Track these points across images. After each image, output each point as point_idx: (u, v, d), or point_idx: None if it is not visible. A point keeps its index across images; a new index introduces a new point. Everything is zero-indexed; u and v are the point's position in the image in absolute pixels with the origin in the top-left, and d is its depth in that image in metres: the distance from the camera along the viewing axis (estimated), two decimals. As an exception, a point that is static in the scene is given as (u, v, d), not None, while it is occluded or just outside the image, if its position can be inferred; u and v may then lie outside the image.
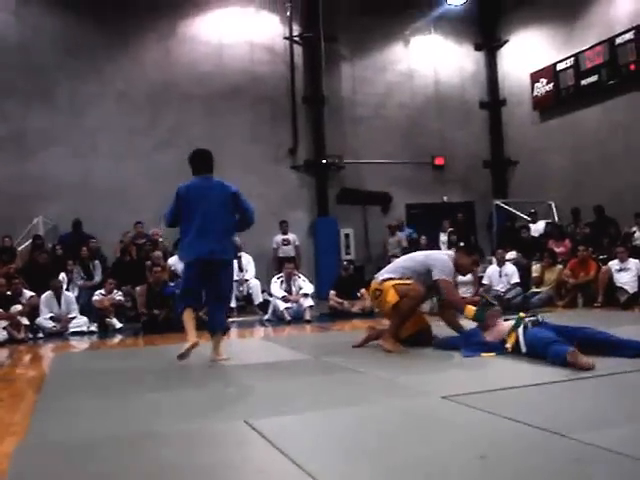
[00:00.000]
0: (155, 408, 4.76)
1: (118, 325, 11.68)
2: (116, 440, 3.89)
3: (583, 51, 17.12)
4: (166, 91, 17.11)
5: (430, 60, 19.79)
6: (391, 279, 7.02)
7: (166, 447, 3.72)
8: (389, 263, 8.48)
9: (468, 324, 6.96)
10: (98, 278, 13.57)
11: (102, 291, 12.14)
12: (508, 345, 6.00)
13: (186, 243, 6.95)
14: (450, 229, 16.39)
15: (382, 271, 7.46)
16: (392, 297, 6.82)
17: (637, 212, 14.03)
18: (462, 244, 8.21)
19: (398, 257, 11.59)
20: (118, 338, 10.86)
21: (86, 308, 12.17)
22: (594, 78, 16.81)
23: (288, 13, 18.42)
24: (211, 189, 7.15)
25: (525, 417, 3.84)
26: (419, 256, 7.41)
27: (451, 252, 7.53)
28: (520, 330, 5.95)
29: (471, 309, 6.63)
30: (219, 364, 6.74)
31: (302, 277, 12.43)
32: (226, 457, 3.51)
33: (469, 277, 11.98)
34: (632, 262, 11.70)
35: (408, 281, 6.89)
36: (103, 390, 5.60)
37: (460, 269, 7.31)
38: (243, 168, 17.22)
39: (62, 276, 12.59)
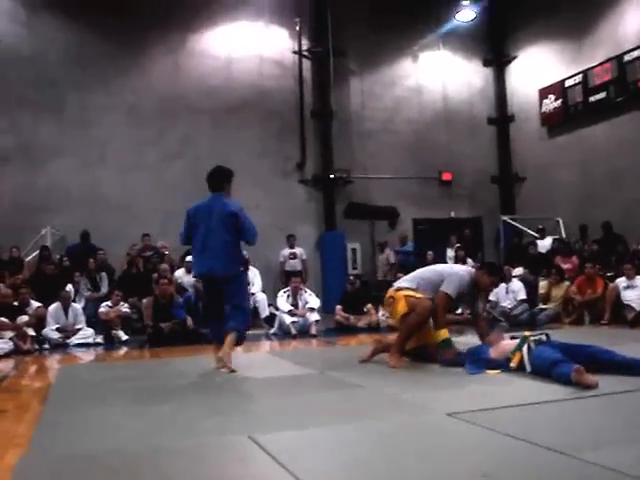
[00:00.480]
0: (159, 422, 4.74)
1: (124, 337, 11.66)
2: (120, 454, 3.89)
3: (591, 68, 17.16)
4: (175, 104, 17.18)
5: (438, 75, 19.85)
6: (407, 289, 7.05)
7: (169, 461, 3.71)
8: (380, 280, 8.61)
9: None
10: (105, 290, 13.58)
11: (109, 303, 12.14)
12: (513, 364, 5.99)
13: (193, 260, 7.59)
14: (457, 244, 16.36)
15: (401, 279, 7.55)
16: (402, 308, 6.87)
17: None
18: (486, 263, 8.18)
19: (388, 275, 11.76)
20: (124, 350, 10.87)
21: (92, 320, 12.18)
22: (602, 95, 16.84)
23: (297, 27, 18.51)
24: (213, 208, 7.50)
25: (530, 436, 3.82)
26: (440, 268, 7.54)
27: (472, 269, 7.51)
28: (525, 349, 5.95)
29: (445, 332, 6.81)
30: (225, 377, 6.73)
31: (308, 291, 12.43)
32: (229, 472, 3.50)
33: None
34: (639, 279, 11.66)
35: (419, 294, 6.89)
36: (108, 403, 5.61)
37: (478, 287, 7.30)
38: (251, 182, 17.26)
39: (69, 287, 12.62)
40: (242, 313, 7.30)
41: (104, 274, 13.93)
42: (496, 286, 8.41)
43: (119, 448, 4.01)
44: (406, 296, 6.91)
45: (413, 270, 7.64)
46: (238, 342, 7.24)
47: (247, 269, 7.96)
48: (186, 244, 7.92)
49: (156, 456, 3.83)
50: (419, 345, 7.07)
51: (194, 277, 7.66)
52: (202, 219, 7.45)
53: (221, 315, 7.26)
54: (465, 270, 7.37)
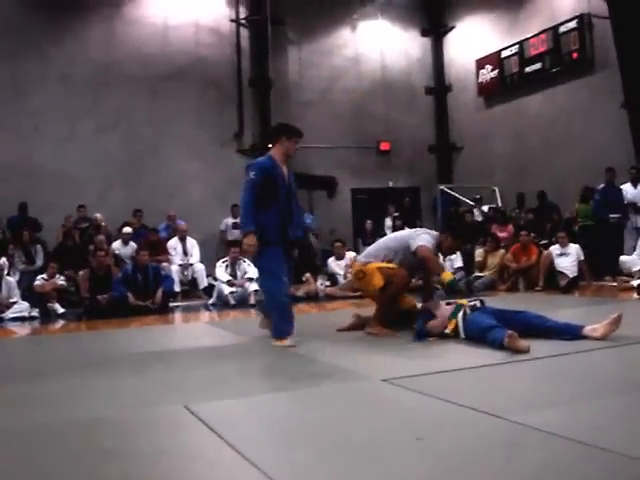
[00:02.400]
0: (93, 394, 4.69)
1: (60, 310, 11.46)
2: (53, 427, 3.85)
3: (527, 39, 17.35)
4: (110, 73, 16.85)
5: (377, 45, 19.84)
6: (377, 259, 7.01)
7: (102, 433, 3.68)
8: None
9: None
10: (40, 262, 13.32)
11: (44, 276, 11.92)
12: (448, 331, 6.09)
13: None
14: (395, 214, 16.48)
15: (364, 252, 7.49)
16: (378, 281, 6.74)
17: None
18: (451, 226, 8.14)
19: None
20: (60, 323, 10.70)
21: (27, 293, 11.95)
22: (538, 65, 17.06)
23: (235, -5, 18.27)
24: None
25: (462, 399, 3.89)
26: (401, 234, 7.50)
27: (435, 233, 7.47)
28: (460, 316, 6.05)
29: (448, 274, 6.92)
30: (161, 348, 6.70)
31: (247, 261, 12.37)
32: (164, 443, 3.48)
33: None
34: (572, 247, 11.89)
35: (392, 265, 6.88)
36: (42, 376, 5.53)
37: (443, 251, 7.32)
38: (189, 152, 17.19)
39: (2, 260, 12.34)
40: (266, 295, 6.87)
41: (39, 246, 13.66)
42: (459, 249, 8.39)
43: (52, 422, 3.96)
44: (379, 268, 6.83)
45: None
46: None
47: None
48: None
49: (90, 428, 3.78)
50: (401, 312, 7.01)
51: None
52: None
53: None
54: (427, 232, 7.28)
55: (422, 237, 6.98)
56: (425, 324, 6.27)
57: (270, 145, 6.91)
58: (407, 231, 7.69)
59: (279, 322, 6.43)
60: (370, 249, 7.40)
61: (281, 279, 6.39)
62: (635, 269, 10.66)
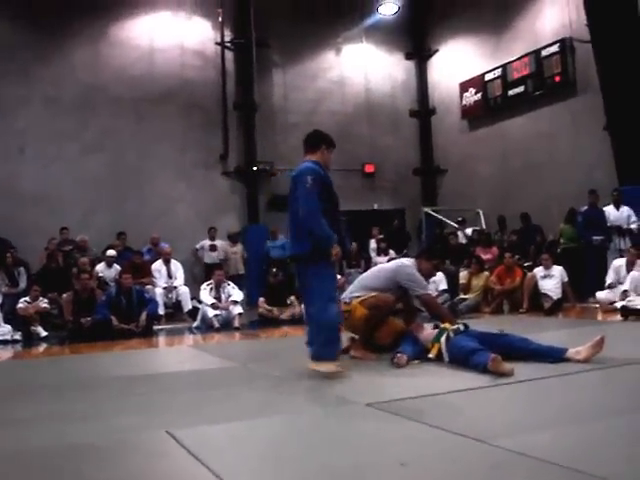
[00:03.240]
0: (76, 419, 4.65)
1: (43, 333, 11.36)
2: (35, 452, 3.81)
3: (510, 62, 17.50)
4: (95, 95, 16.86)
5: (361, 68, 19.97)
6: (358, 297, 6.90)
7: (83, 459, 3.65)
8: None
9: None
10: (23, 285, 13.23)
11: (27, 298, 11.84)
12: (431, 354, 6.09)
13: None
14: (380, 236, 16.51)
15: (347, 291, 7.27)
16: (360, 312, 6.67)
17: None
18: (424, 249, 8.08)
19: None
20: (43, 347, 10.62)
21: (10, 316, 11.85)
22: (521, 89, 17.21)
23: (220, 18, 18.35)
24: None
25: (446, 424, 3.88)
26: (385, 272, 7.25)
27: (412, 259, 7.44)
28: (443, 339, 6.05)
29: (452, 321, 6.62)
30: (144, 372, 6.65)
31: (231, 284, 12.35)
32: (144, 469, 3.45)
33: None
34: (556, 269, 11.93)
35: (373, 293, 6.83)
36: (24, 400, 5.47)
37: (423, 275, 7.28)
38: (173, 174, 17.21)
39: (-15, 283, 12.27)
40: (319, 317, 5.85)
41: (22, 269, 13.58)
42: (437, 270, 8.33)
43: (35, 447, 3.92)
44: (361, 301, 6.78)
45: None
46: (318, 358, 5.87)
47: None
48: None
49: (72, 454, 3.75)
50: (395, 338, 6.96)
51: None
52: (291, 192, 6.08)
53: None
54: (408, 265, 7.19)
55: (415, 279, 6.94)
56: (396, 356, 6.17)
57: (308, 153, 6.16)
58: (388, 268, 7.51)
59: (328, 343, 5.79)
60: (352, 287, 7.27)
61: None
62: (614, 300, 10.68)
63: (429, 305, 6.96)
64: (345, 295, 7.20)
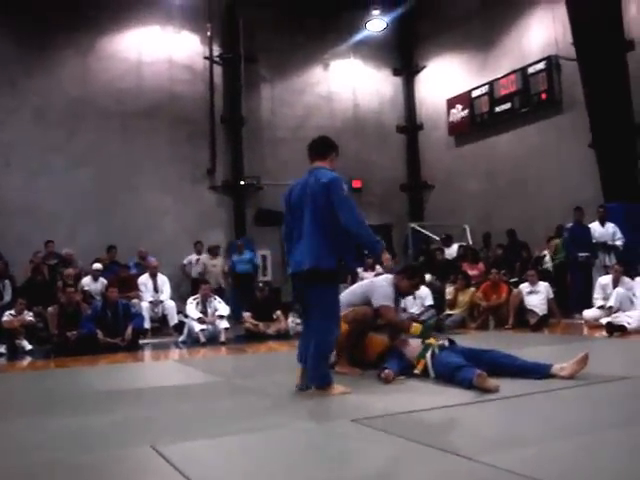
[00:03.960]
0: (58, 435, 4.61)
1: (28, 347, 11.27)
2: (15, 470, 3.77)
3: (497, 79, 17.64)
4: (83, 107, 16.85)
5: (349, 84, 20.07)
6: None
7: (68, 477, 3.63)
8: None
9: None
10: (8, 298, 13.15)
11: (12, 312, 11.76)
12: (417, 370, 6.10)
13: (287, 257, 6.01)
14: (366, 252, 16.50)
15: None
16: (342, 328, 6.37)
17: (550, 236, 14.43)
18: (405, 267, 8.02)
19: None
20: (28, 360, 10.56)
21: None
22: (507, 105, 17.35)
23: (209, 33, 18.42)
24: (308, 183, 5.74)
25: (431, 440, 3.89)
26: (360, 288, 7.27)
27: (390, 276, 7.43)
28: (428, 355, 6.06)
29: (417, 327, 6.60)
30: (130, 387, 6.62)
31: (218, 299, 12.32)
32: (130, 485, 3.44)
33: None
34: (542, 285, 11.98)
35: (351, 308, 6.80)
36: (5, 415, 5.44)
37: (401, 292, 7.26)
38: (160, 188, 17.20)
39: (-31, 296, 12.19)
40: (322, 336, 5.63)
41: (7, 282, 13.51)
42: (417, 288, 8.28)
43: (11, 465, 3.87)
44: (342, 318, 6.72)
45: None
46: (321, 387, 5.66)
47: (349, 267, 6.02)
48: (285, 239, 5.96)
49: (54, 471, 3.72)
50: (381, 353, 6.94)
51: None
52: (298, 200, 5.73)
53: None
54: (384, 280, 7.27)
55: (381, 292, 6.89)
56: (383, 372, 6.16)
57: (317, 159, 5.87)
58: (364, 284, 7.50)
59: (325, 369, 5.68)
60: None
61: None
62: (601, 317, 10.72)
63: (386, 317, 6.83)
64: None
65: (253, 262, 16.81)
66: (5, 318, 11.56)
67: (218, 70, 18.70)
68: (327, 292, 5.64)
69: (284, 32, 18.82)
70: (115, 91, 17.24)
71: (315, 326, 5.67)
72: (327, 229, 5.54)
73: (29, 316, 11.87)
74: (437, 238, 17.80)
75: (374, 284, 7.13)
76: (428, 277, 14.36)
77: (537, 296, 11.86)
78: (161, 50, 18.00)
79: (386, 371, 6.05)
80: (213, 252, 16.10)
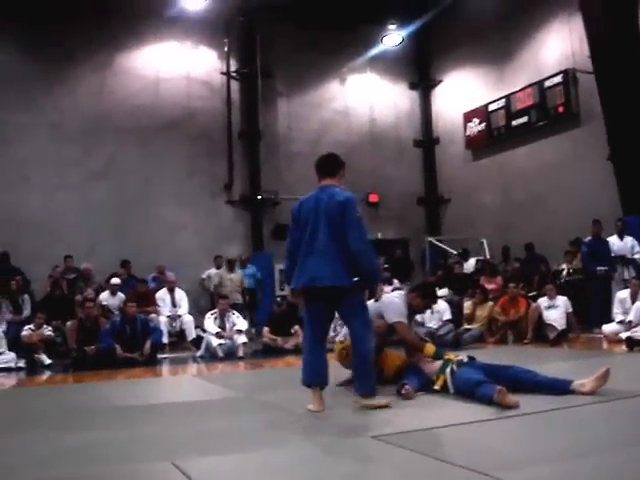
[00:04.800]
0: (80, 449, 4.63)
1: (47, 361, 11.33)
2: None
3: (514, 93, 17.62)
4: (100, 123, 16.97)
5: (366, 98, 20.10)
6: None
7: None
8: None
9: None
10: (27, 312, 13.23)
11: (31, 326, 11.83)
12: (437, 386, 6.08)
13: (296, 270, 5.84)
14: (385, 265, 16.47)
15: (342, 331, 7.21)
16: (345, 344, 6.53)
17: (566, 250, 14.36)
18: (419, 285, 7.99)
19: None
20: (47, 375, 10.60)
21: (14, 343, 11.84)
22: (524, 119, 17.31)
23: (226, 49, 18.53)
24: (320, 199, 5.78)
25: (452, 456, 3.89)
26: (372, 304, 7.28)
27: (402, 292, 7.40)
28: (448, 371, 6.04)
29: (431, 347, 6.61)
30: (148, 402, 6.63)
31: (236, 313, 12.32)
32: (151, 501, 3.45)
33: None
34: (560, 299, 11.90)
35: None
36: (27, 430, 5.46)
37: (414, 309, 7.24)
38: (178, 203, 17.27)
39: (-11, 310, 12.26)
40: (361, 349, 5.68)
41: (26, 296, 13.59)
42: (429, 307, 8.26)
43: (34, 477, 3.91)
44: None
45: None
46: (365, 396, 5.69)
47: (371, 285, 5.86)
48: (292, 252, 5.87)
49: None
50: (398, 369, 6.94)
51: (292, 290, 5.93)
52: (308, 215, 5.76)
53: (322, 345, 5.84)
54: (397, 296, 7.26)
55: (394, 308, 6.87)
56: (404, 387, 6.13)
57: (326, 177, 5.93)
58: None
59: (369, 376, 5.69)
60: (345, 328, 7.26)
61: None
62: (621, 332, 10.64)
63: (401, 334, 6.82)
64: (340, 335, 7.24)
65: (255, 277, 16.53)
66: (24, 332, 11.63)
67: (235, 85, 18.80)
68: (357, 303, 5.71)
69: (301, 47, 18.88)
70: (133, 107, 17.36)
71: (357, 337, 5.68)
72: (344, 247, 5.58)
73: (48, 330, 11.94)
74: (454, 252, 17.78)
75: (387, 300, 7.10)
76: (446, 291, 14.36)
77: (556, 310, 11.79)
78: (178, 66, 18.12)
79: (406, 387, 6.03)
80: (230, 266, 15.85)
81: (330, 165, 6.02)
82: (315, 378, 5.72)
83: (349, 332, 5.86)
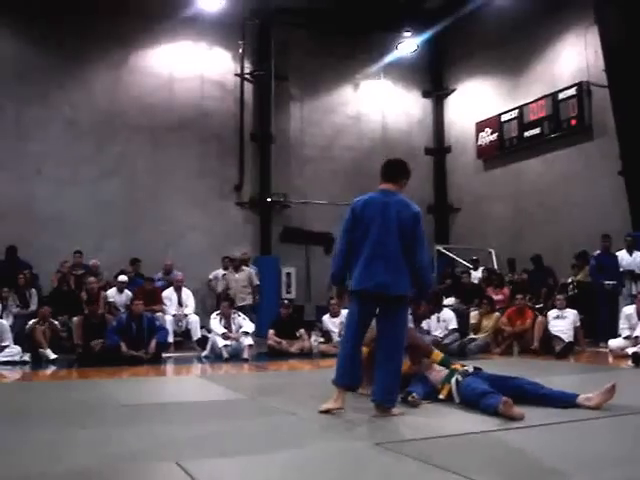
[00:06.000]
0: (83, 446, 4.62)
1: (52, 356, 11.33)
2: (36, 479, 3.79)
3: (527, 104, 17.59)
4: (113, 120, 17.03)
5: (378, 105, 20.12)
6: None
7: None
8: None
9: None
10: (34, 307, 13.26)
11: (36, 320, 11.84)
12: (442, 395, 6.07)
13: (355, 271, 5.72)
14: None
15: None
16: (363, 351, 6.35)
17: (572, 263, 14.32)
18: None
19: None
20: (51, 369, 10.61)
21: (20, 337, 11.85)
22: (537, 130, 17.30)
23: (240, 50, 18.56)
24: (389, 204, 5.75)
25: (455, 466, 3.86)
26: None
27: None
28: (453, 381, 6.03)
29: (438, 354, 6.62)
30: (153, 402, 6.62)
31: (242, 315, 12.31)
32: (155, 500, 3.45)
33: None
34: (570, 312, 11.88)
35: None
36: (30, 425, 5.46)
37: (417, 317, 7.22)
38: (188, 202, 17.29)
39: (-4, 303, 12.28)
40: (395, 363, 5.70)
41: (34, 290, 13.63)
42: (432, 313, 8.26)
43: (35, 473, 3.91)
44: None
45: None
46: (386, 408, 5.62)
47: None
48: (346, 253, 5.80)
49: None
50: (407, 375, 6.86)
51: (353, 291, 5.71)
52: (374, 216, 5.70)
53: (360, 348, 5.89)
54: None
55: None
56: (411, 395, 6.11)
57: (390, 181, 5.99)
58: None
59: (397, 392, 5.69)
60: None
61: None
62: (627, 347, 10.60)
63: (411, 338, 6.73)
64: None
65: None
66: (30, 326, 11.65)
67: (249, 87, 18.83)
68: (403, 315, 5.73)
69: (315, 52, 18.91)
70: (146, 105, 17.41)
71: (392, 349, 5.66)
72: (411, 258, 5.60)
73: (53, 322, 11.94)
74: (462, 261, 17.75)
75: None
76: (452, 300, 14.35)
77: (564, 321, 11.77)
78: (193, 66, 18.15)
79: (413, 394, 6.02)
80: (234, 266, 15.04)
81: (396, 171, 6.08)
82: (349, 380, 5.74)
83: (382, 340, 5.76)
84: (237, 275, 14.69)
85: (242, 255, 15.51)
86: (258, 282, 14.74)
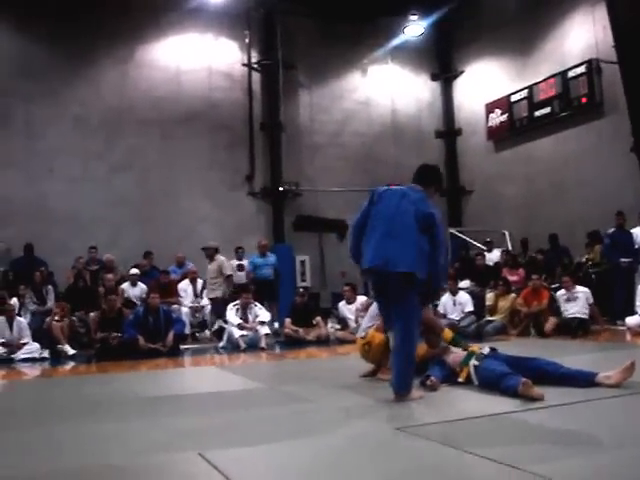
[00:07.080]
0: (105, 439, 4.66)
1: (71, 352, 11.42)
2: (63, 474, 3.82)
3: (536, 83, 17.50)
4: (122, 115, 17.06)
5: (387, 89, 20.06)
6: (371, 326, 6.91)
7: (117, 480, 3.67)
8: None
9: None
10: (51, 303, 13.33)
11: (55, 317, 11.92)
12: (460, 378, 6.06)
13: (365, 249, 5.76)
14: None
15: (361, 327, 7.32)
16: (379, 338, 6.60)
17: (586, 242, 14.26)
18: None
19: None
20: (70, 365, 10.67)
21: (38, 334, 11.93)
22: (547, 110, 17.19)
23: (247, 40, 18.54)
24: (409, 195, 5.80)
25: (476, 448, 3.86)
26: None
27: None
28: (472, 363, 6.02)
29: (449, 332, 6.65)
30: (172, 393, 6.65)
31: (258, 305, 12.33)
32: (179, 491, 3.47)
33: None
34: (580, 290, 11.79)
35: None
36: (51, 420, 5.50)
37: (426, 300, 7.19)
38: (200, 194, 17.31)
39: (14, 300, 12.34)
40: (407, 348, 5.62)
41: (50, 287, 13.70)
42: (439, 297, 8.24)
43: (62, 468, 3.93)
44: (376, 328, 6.76)
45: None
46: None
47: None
48: (359, 231, 5.87)
49: (102, 475, 3.77)
50: (423, 359, 6.87)
51: (363, 270, 5.79)
52: (392, 197, 5.77)
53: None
54: None
55: None
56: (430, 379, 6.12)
57: (421, 184, 5.98)
58: None
59: (412, 377, 5.66)
60: (364, 321, 7.30)
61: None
62: None
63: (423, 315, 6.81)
64: (360, 330, 7.26)
65: (276, 267, 15.09)
66: (47, 322, 11.73)
67: (256, 77, 18.82)
68: (415, 300, 5.63)
69: (322, 38, 18.88)
70: (154, 99, 17.42)
71: (404, 335, 5.60)
72: (423, 245, 5.54)
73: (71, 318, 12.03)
74: (476, 243, 17.71)
75: None
76: (467, 283, 14.32)
77: (576, 303, 11.66)
78: (200, 58, 18.15)
79: (432, 378, 6.02)
80: (209, 255, 14.15)
81: (426, 177, 6.12)
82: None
83: (394, 325, 5.72)
84: (209, 266, 14.03)
85: (261, 242, 15.32)
86: (230, 272, 14.04)
